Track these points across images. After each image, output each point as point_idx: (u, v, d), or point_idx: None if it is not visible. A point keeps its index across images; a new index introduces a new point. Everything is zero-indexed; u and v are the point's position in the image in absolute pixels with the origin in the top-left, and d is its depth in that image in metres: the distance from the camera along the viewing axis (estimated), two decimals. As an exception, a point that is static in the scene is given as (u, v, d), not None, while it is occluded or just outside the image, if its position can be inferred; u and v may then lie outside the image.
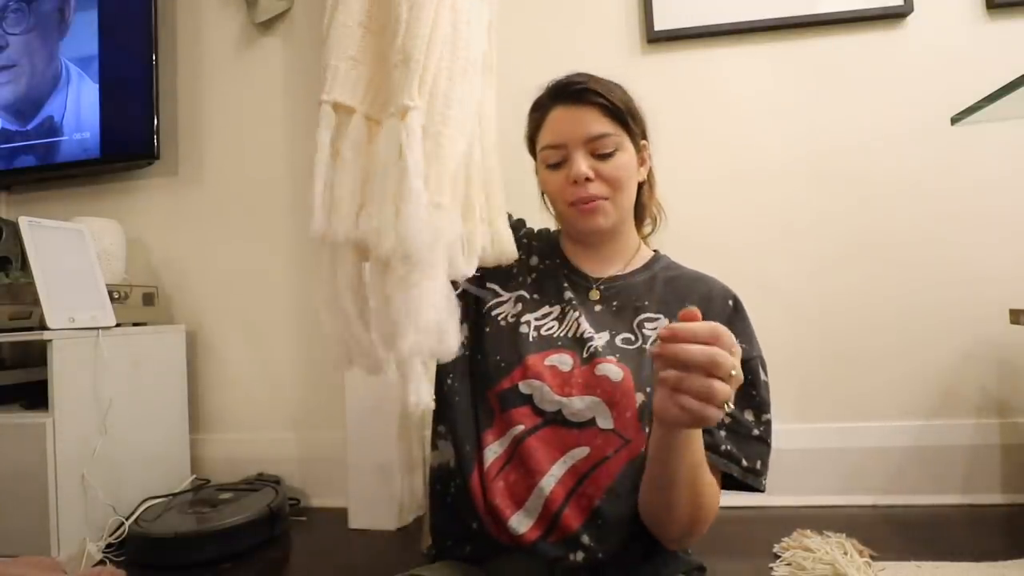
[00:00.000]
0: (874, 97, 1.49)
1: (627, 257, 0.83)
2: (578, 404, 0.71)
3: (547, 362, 0.74)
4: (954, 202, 1.45)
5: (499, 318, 0.79)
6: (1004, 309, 1.27)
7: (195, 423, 1.72)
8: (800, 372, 1.49)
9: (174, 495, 1.50)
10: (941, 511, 1.36)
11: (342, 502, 1.50)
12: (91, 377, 1.36)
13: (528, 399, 0.73)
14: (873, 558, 1.11)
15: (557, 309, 0.78)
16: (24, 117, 1.81)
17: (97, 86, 1.75)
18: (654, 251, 0.87)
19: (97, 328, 1.38)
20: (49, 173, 1.83)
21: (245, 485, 1.55)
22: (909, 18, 1.48)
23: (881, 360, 1.46)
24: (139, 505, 1.42)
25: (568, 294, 0.79)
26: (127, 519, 1.36)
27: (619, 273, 0.82)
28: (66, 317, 1.32)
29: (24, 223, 1.33)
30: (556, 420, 0.72)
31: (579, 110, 0.76)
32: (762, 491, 0.70)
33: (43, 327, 1.28)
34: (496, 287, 0.82)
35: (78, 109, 1.77)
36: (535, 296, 0.80)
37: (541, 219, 0.94)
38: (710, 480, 0.64)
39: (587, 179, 0.75)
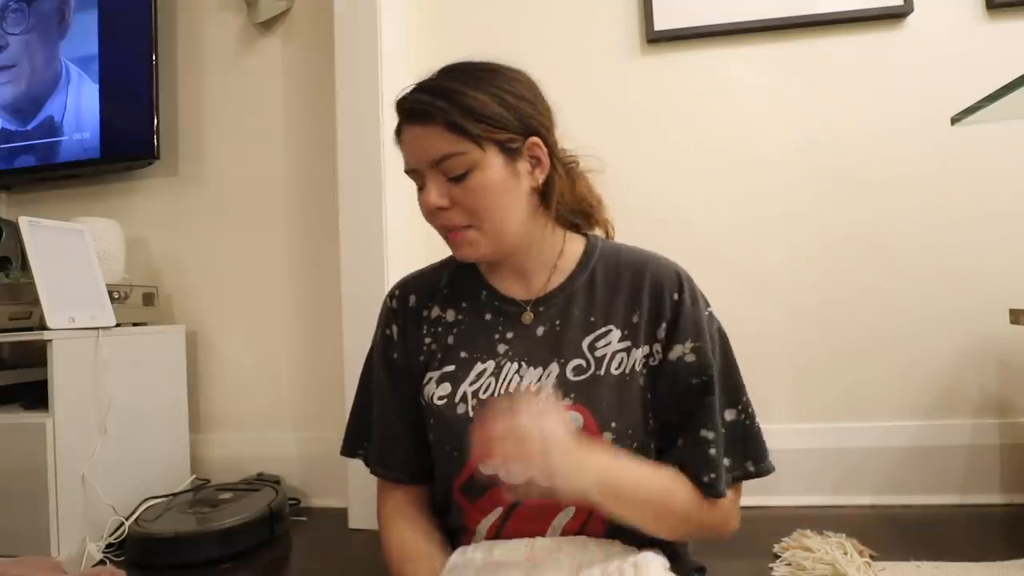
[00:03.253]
0: (874, 97, 1.49)
1: (550, 263, 0.73)
2: None
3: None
4: (954, 202, 1.45)
5: (435, 399, 0.71)
6: (1004, 309, 1.27)
7: (195, 423, 1.72)
8: (799, 372, 1.49)
9: (174, 495, 1.50)
10: (940, 511, 1.36)
11: (342, 502, 1.50)
12: (91, 377, 1.36)
13: (496, 479, 0.65)
14: (873, 558, 1.11)
15: (491, 364, 0.70)
16: (24, 117, 1.81)
17: (97, 86, 1.75)
18: (585, 237, 0.77)
19: (97, 328, 1.38)
20: (49, 173, 1.83)
21: (245, 485, 1.55)
22: (909, 18, 1.48)
23: (880, 360, 1.46)
24: (139, 505, 1.42)
25: (501, 347, 0.71)
26: (127, 519, 1.36)
27: (552, 287, 0.72)
28: (66, 317, 1.32)
29: (24, 223, 1.33)
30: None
31: (421, 129, 0.65)
32: (771, 470, 0.70)
33: (43, 327, 1.28)
34: (432, 375, 0.73)
35: (78, 109, 1.77)
36: (463, 355, 0.72)
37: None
38: (683, 500, 0.65)
39: (441, 208, 0.66)
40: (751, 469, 0.68)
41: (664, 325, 0.69)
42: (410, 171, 0.69)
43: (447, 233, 0.69)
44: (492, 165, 0.65)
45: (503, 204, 0.67)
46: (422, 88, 0.67)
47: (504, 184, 0.66)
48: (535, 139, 0.68)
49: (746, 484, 0.70)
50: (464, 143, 0.64)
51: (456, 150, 0.64)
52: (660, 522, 0.65)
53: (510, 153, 0.66)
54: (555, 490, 0.57)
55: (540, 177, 0.69)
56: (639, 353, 0.69)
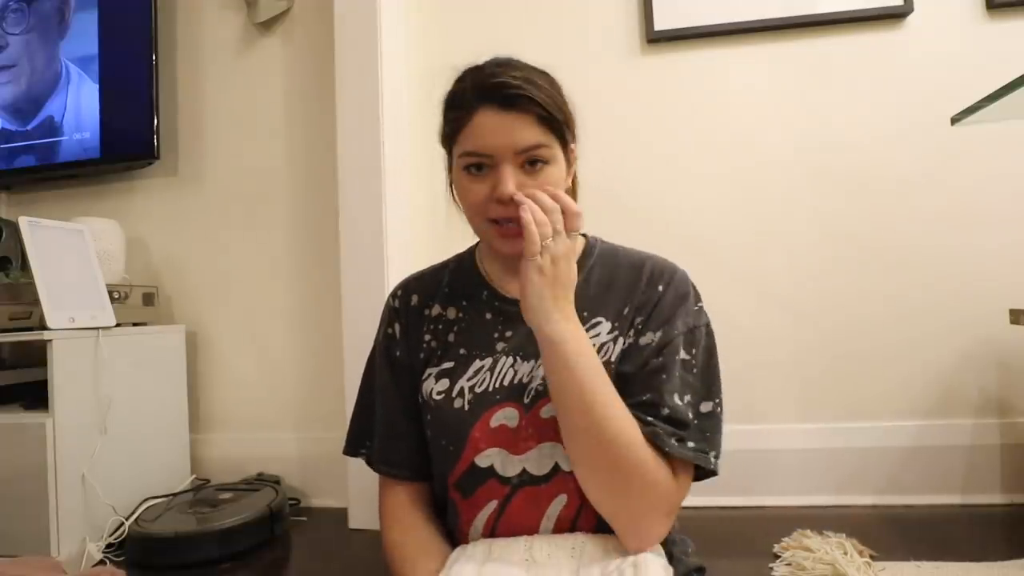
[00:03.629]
0: (874, 97, 1.49)
1: None
2: (537, 456, 0.68)
3: (493, 424, 0.69)
4: (954, 202, 1.45)
5: (433, 394, 0.73)
6: (1004, 309, 1.26)
7: (195, 423, 1.72)
8: (800, 372, 1.48)
9: (174, 495, 1.50)
10: (941, 511, 1.36)
11: (342, 502, 1.50)
12: (91, 377, 1.36)
13: (490, 471, 0.69)
14: (873, 558, 1.11)
15: (489, 360, 0.72)
16: (24, 117, 1.81)
17: (97, 86, 1.75)
18: (583, 237, 0.78)
19: (97, 328, 1.38)
20: (49, 173, 1.83)
21: (245, 485, 1.55)
22: (909, 18, 1.48)
23: (881, 360, 1.46)
24: (139, 505, 1.42)
25: (500, 344, 0.73)
26: (127, 519, 1.36)
27: None
28: (66, 317, 1.32)
29: (24, 223, 1.33)
30: (524, 481, 0.68)
31: (511, 116, 0.65)
32: (718, 472, 0.67)
33: (43, 327, 1.28)
34: (431, 371, 0.75)
35: (78, 109, 1.77)
36: (462, 352, 0.74)
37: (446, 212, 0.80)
38: (622, 426, 0.62)
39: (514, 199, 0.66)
40: (712, 461, 0.66)
41: (643, 314, 0.70)
42: (476, 155, 0.67)
43: (499, 228, 0.68)
44: (560, 161, 0.69)
45: None
46: (515, 75, 0.66)
47: (562, 180, 0.70)
48: (575, 145, 0.73)
49: (746, 484, 0.70)
50: (549, 136, 0.67)
51: (544, 141, 0.66)
52: (592, 435, 0.62)
53: (566, 153, 0.71)
54: (523, 290, 0.63)
55: (569, 180, 0.73)
56: (622, 341, 0.70)
